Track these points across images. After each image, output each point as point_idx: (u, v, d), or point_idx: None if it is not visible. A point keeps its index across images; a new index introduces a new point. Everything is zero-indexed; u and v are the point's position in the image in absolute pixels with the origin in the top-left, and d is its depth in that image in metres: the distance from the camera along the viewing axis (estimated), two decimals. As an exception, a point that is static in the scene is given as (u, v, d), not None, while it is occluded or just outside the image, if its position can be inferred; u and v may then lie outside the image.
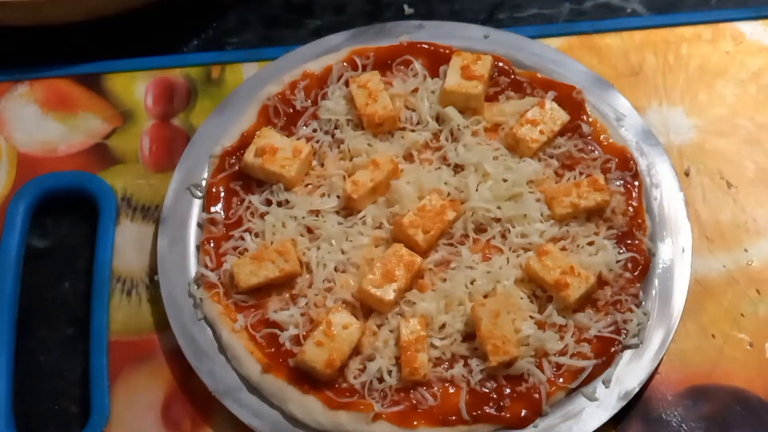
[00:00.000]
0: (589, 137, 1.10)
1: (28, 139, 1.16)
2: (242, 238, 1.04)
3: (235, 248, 1.04)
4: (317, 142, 1.11)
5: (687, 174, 1.13)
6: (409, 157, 1.10)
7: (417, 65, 1.15)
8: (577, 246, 1.03)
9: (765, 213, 1.11)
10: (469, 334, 0.98)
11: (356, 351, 0.97)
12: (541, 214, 1.05)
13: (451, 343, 0.98)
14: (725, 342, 1.02)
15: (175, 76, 1.21)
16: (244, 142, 1.09)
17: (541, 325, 0.98)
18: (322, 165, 1.10)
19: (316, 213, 1.06)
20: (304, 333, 0.98)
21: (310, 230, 1.05)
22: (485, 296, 1.00)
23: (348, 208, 1.07)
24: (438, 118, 1.12)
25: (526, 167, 1.08)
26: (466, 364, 0.97)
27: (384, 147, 1.10)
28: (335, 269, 1.02)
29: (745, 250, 1.08)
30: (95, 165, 1.14)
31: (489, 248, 1.04)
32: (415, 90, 1.13)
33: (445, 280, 1.01)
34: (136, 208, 1.11)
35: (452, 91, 1.11)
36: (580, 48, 1.22)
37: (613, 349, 0.98)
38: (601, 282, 1.01)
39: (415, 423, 0.94)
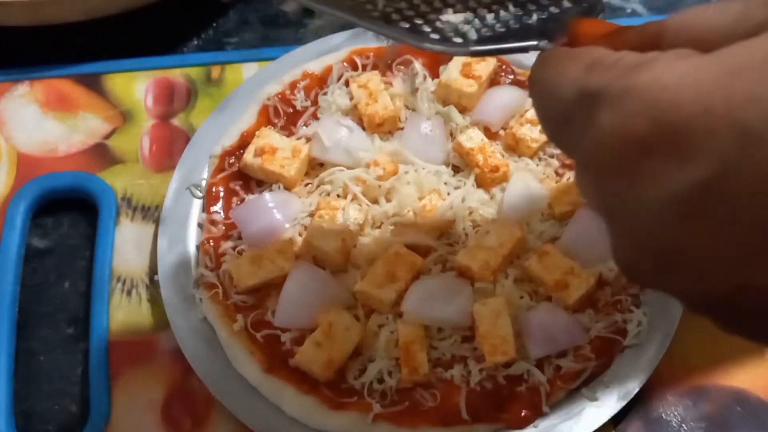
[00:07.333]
0: (590, 137, 1.09)
1: (28, 139, 1.16)
2: (241, 238, 1.04)
3: (234, 248, 1.04)
4: (317, 142, 1.11)
5: (687, 174, 1.12)
6: (409, 157, 1.10)
7: (417, 65, 1.15)
8: (577, 246, 1.03)
9: (765, 213, 1.10)
10: (469, 335, 0.98)
11: (356, 352, 0.97)
12: (542, 214, 1.05)
13: (451, 343, 0.98)
14: (725, 342, 1.02)
15: (175, 76, 1.21)
16: (244, 141, 1.09)
17: (541, 325, 0.98)
18: (322, 165, 1.10)
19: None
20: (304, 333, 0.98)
21: (309, 230, 1.05)
22: (485, 296, 1.00)
23: (348, 208, 1.07)
24: (438, 118, 1.12)
25: (526, 167, 1.08)
26: (465, 365, 0.97)
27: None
28: (335, 269, 1.02)
29: (746, 250, 1.08)
30: (95, 165, 1.14)
31: (489, 248, 1.04)
32: (416, 90, 1.13)
33: (445, 280, 1.01)
34: (136, 208, 1.11)
35: (447, 84, 1.10)
36: (581, 48, 1.22)
37: (613, 350, 0.97)
38: (601, 282, 1.01)
39: (415, 423, 0.93)
